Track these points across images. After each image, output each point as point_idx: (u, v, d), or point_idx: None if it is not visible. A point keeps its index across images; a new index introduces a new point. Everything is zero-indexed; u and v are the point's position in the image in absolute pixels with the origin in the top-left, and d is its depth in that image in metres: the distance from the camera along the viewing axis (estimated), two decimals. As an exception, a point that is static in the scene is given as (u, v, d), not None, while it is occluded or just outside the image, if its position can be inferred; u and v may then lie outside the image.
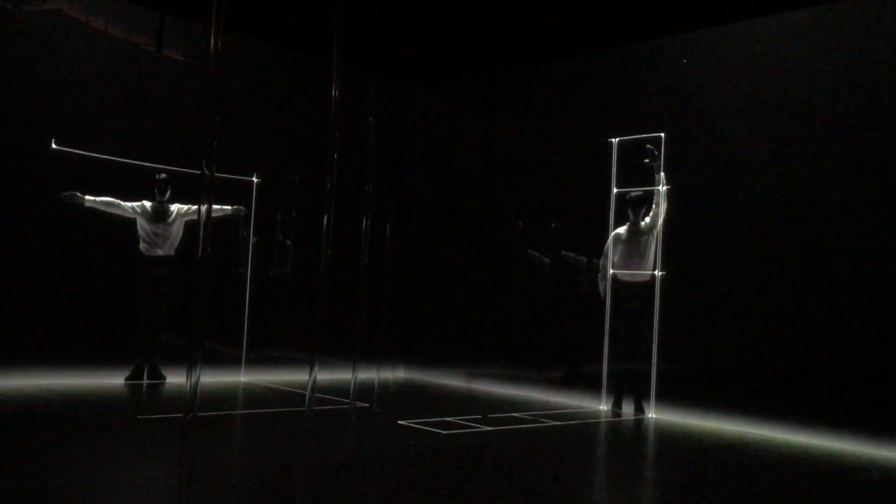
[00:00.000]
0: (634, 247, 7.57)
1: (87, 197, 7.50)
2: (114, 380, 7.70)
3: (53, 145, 7.31)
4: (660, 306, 7.42)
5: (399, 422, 6.24)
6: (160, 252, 7.88)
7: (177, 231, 7.98)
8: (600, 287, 7.85)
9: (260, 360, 9.00)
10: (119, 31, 8.12)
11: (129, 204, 7.79)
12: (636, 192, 7.65)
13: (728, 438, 6.44)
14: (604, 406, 7.73)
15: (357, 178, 6.33)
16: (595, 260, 8.03)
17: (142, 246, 7.87)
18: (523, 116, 9.36)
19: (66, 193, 7.39)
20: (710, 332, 7.30)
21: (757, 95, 7.25)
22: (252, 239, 8.93)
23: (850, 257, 6.55)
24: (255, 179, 8.86)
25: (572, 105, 8.87)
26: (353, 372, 6.12)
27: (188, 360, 3.30)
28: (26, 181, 7.50)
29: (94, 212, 7.60)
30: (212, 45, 3.50)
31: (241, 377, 8.69)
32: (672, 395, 7.34)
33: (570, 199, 8.63)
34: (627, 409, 7.54)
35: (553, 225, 8.73)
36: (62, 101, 7.74)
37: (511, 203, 9.28)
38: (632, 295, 7.58)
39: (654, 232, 7.50)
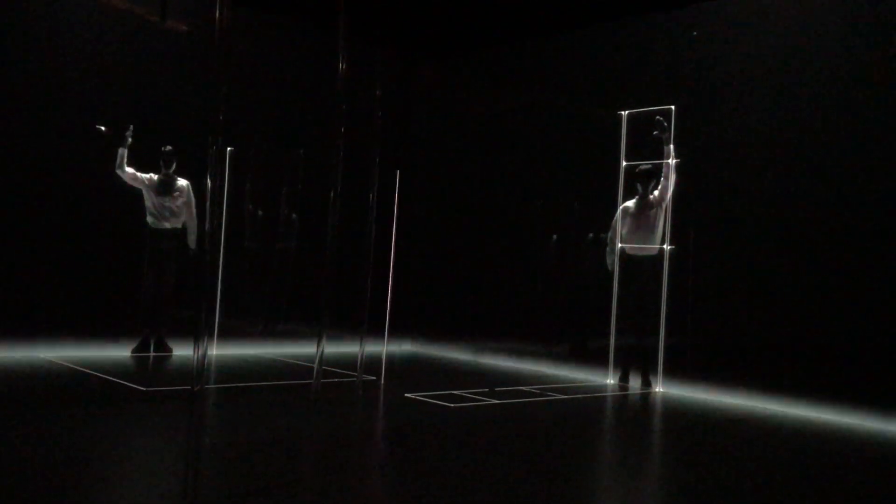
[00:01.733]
0: (643, 220, 7.52)
1: (125, 154, 7.62)
2: (120, 352, 7.72)
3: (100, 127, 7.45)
4: (668, 280, 7.39)
5: (406, 395, 6.25)
6: (167, 225, 7.88)
7: (183, 204, 7.96)
8: (608, 261, 7.81)
9: (266, 333, 9.02)
10: (122, 2, 8.05)
11: (143, 175, 7.79)
12: (645, 165, 7.60)
13: (735, 413, 6.44)
14: (611, 380, 7.73)
15: (364, 152, 6.29)
16: (602, 235, 7.99)
17: (149, 219, 7.86)
18: (531, 89, 9.28)
19: (129, 132, 7.55)
20: (718, 306, 7.27)
21: (768, 67, 7.15)
22: (258, 213, 8.91)
23: (862, 231, 6.49)
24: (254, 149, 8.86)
25: (582, 77, 8.78)
26: (361, 345, 6.12)
27: (195, 333, 3.29)
28: (30, 154, 7.47)
29: (101, 185, 7.60)
30: (217, 17, 3.44)
31: (248, 350, 8.70)
32: (679, 370, 7.33)
33: (579, 172, 8.57)
34: (634, 384, 7.54)
35: (561, 200, 8.67)
36: (64, 73, 7.69)
37: (519, 176, 9.23)
38: (640, 269, 7.54)
39: (663, 205, 7.45)
